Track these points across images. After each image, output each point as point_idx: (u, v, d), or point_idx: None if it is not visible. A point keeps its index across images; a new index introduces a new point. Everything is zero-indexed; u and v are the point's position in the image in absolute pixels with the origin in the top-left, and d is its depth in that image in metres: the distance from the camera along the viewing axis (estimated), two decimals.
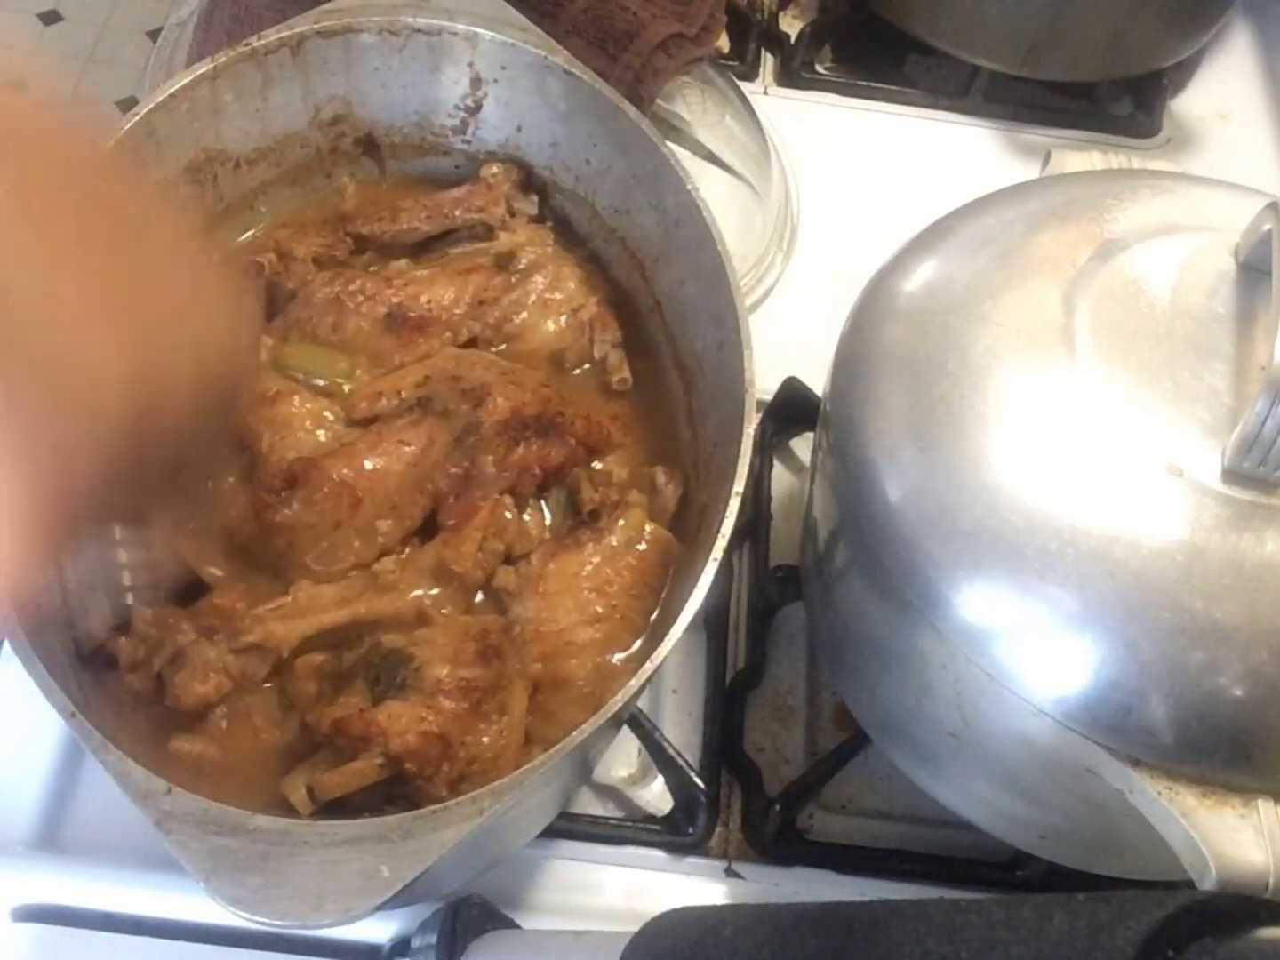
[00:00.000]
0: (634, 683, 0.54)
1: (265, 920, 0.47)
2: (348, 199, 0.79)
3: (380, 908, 0.48)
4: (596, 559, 0.65)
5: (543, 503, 0.69)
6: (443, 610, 0.64)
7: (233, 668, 0.61)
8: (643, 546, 0.66)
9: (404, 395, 0.69)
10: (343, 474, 0.65)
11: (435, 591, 0.65)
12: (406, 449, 0.67)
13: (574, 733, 0.52)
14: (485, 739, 0.59)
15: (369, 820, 0.50)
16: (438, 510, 0.67)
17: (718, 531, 0.57)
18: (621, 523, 0.66)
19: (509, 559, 0.67)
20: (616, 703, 0.53)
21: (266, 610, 0.62)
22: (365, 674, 0.60)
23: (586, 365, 0.75)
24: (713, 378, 0.68)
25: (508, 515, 0.66)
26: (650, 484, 0.69)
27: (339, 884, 0.48)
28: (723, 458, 0.63)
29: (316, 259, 0.75)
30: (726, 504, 0.58)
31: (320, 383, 0.71)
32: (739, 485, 0.58)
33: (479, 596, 0.66)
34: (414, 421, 0.68)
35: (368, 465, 0.66)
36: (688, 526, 0.68)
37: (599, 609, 0.64)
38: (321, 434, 0.68)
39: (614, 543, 0.66)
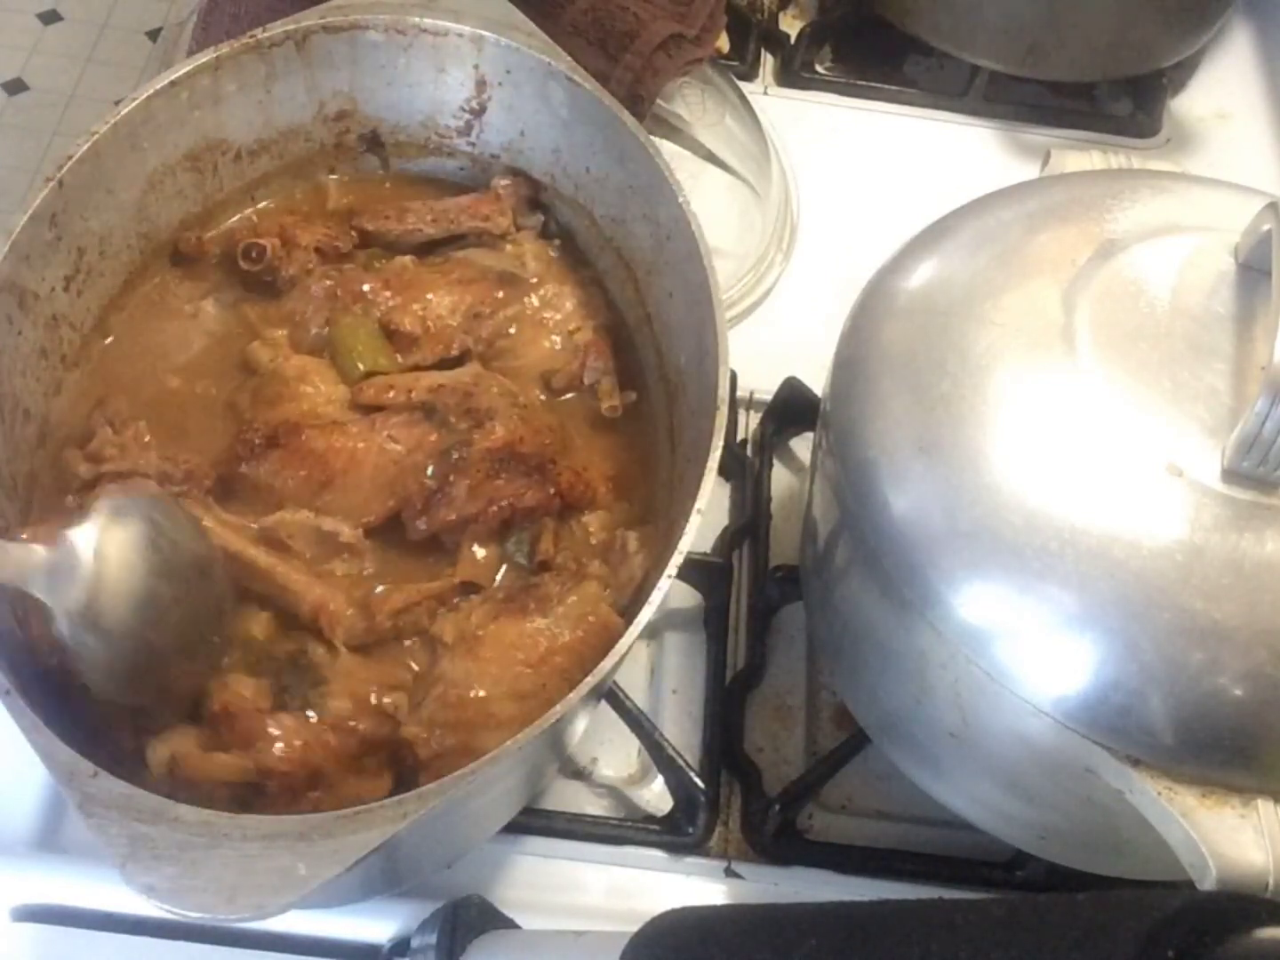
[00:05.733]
0: (559, 709, 0.52)
1: (177, 910, 0.46)
2: (332, 197, 0.78)
3: (293, 905, 0.47)
4: (537, 630, 0.62)
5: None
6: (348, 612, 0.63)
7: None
8: (584, 631, 0.62)
9: (413, 396, 0.69)
10: (321, 450, 0.65)
11: (350, 612, 0.63)
12: (393, 445, 0.67)
13: (507, 743, 0.51)
14: (353, 792, 0.58)
15: (292, 817, 0.50)
16: (401, 514, 0.66)
17: (675, 548, 0.56)
18: (573, 598, 0.63)
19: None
20: (555, 714, 0.52)
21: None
22: (281, 674, 0.61)
23: (573, 394, 0.73)
24: (693, 393, 0.67)
25: (455, 601, 0.64)
26: (621, 549, 0.66)
27: (254, 879, 0.47)
28: (693, 474, 0.61)
29: (319, 248, 0.74)
30: (688, 519, 0.57)
31: (360, 367, 0.70)
32: (700, 503, 0.57)
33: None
34: (410, 422, 0.68)
35: (350, 447, 0.66)
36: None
37: (528, 686, 0.61)
38: (321, 406, 0.68)
39: (560, 613, 0.62)
